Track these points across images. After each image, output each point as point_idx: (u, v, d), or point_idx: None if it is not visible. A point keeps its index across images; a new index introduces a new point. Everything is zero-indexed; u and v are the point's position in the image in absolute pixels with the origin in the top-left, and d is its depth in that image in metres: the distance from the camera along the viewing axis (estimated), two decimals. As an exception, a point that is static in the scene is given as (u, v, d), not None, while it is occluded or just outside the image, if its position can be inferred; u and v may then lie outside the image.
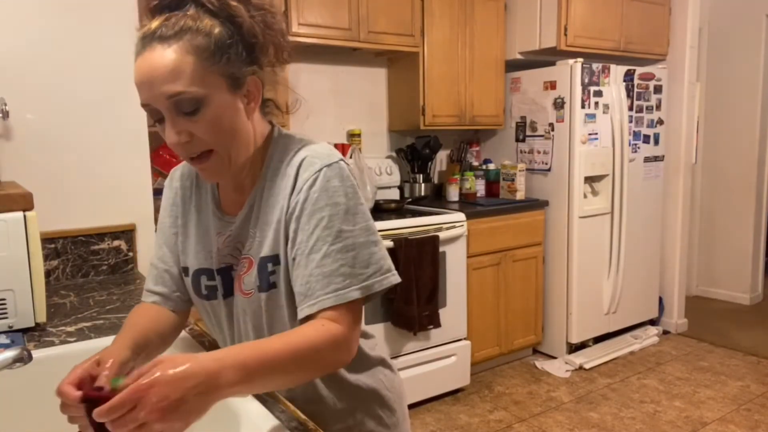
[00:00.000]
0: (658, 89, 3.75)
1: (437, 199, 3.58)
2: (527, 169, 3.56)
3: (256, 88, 0.86)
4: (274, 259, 0.89)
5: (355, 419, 0.99)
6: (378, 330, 2.76)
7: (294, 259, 0.86)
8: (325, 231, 0.83)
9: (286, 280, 0.89)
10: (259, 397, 0.89)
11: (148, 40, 0.79)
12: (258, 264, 0.90)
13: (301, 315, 0.84)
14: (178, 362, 0.65)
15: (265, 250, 0.89)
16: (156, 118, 0.82)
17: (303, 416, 0.85)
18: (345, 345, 0.82)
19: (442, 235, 2.88)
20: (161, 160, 2.57)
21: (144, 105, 0.81)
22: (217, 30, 0.80)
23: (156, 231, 1.05)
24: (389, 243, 2.69)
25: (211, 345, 1.12)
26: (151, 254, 1.04)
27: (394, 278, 0.87)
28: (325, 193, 0.85)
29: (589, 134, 3.38)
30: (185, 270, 0.99)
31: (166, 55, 0.78)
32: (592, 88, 3.36)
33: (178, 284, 1.01)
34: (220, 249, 0.95)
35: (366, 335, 1.04)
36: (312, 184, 0.85)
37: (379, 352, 1.05)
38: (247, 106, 0.86)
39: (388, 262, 0.88)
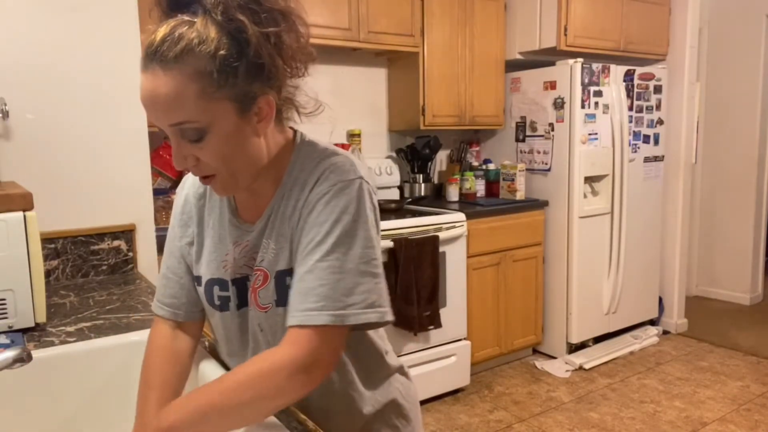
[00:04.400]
0: (658, 89, 3.75)
1: (437, 199, 3.58)
2: (527, 169, 3.56)
3: (269, 106, 0.80)
4: (292, 273, 0.85)
5: (371, 429, 0.97)
6: (378, 330, 2.76)
7: None
8: (317, 247, 0.79)
9: None
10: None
11: (149, 59, 0.74)
12: (275, 278, 0.86)
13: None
14: None
15: (282, 264, 0.86)
16: (165, 135, 0.80)
17: (302, 416, 0.85)
18: (302, 369, 0.75)
19: (442, 235, 2.88)
20: (161, 160, 2.57)
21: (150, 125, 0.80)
22: (222, 51, 0.74)
23: (167, 236, 1.00)
24: (389, 243, 2.69)
25: (211, 346, 1.12)
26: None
27: (374, 316, 0.78)
28: (329, 208, 0.80)
29: (589, 134, 3.38)
30: (198, 279, 0.96)
31: (168, 82, 0.73)
32: (592, 88, 3.36)
33: (190, 296, 0.97)
34: (236, 259, 0.90)
35: (382, 342, 1.02)
36: (320, 198, 0.82)
37: (397, 360, 1.03)
38: (258, 124, 0.80)
39: (376, 298, 0.79)
